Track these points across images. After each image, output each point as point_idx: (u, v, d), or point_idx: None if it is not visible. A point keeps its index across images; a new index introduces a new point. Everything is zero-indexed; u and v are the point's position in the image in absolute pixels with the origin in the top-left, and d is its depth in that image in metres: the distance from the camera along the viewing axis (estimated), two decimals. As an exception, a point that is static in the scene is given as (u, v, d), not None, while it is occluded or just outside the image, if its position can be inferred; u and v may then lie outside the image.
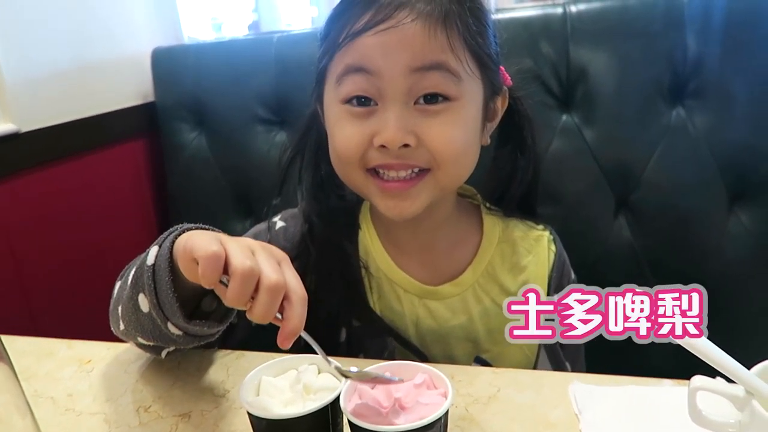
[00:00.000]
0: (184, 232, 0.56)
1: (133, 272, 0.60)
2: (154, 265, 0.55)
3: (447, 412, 0.47)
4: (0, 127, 1.02)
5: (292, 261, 0.53)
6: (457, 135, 0.65)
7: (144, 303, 0.57)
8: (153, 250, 0.56)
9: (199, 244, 0.48)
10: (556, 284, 0.78)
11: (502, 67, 0.74)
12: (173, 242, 0.55)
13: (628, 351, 1.07)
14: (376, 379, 0.49)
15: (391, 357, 0.73)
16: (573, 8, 1.04)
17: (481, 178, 0.80)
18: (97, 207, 1.22)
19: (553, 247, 0.80)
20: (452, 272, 0.76)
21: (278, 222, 0.81)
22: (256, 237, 0.74)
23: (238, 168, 1.30)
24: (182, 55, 1.31)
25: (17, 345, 0.75)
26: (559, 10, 1.05)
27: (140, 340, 0.62)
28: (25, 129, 1.05)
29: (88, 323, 1.08)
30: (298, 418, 0.48)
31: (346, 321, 0.75)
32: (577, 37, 1.04)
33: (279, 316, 0.48)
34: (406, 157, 0.64)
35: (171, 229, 0.58)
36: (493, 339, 0.76)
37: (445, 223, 0.76)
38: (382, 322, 0.74)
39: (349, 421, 0.47)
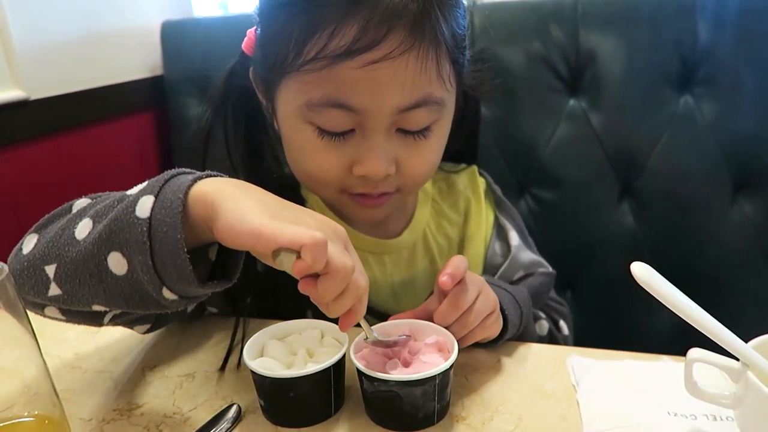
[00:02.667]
0: (196, 181, 0.46)
1: (95, 228, 0.48)
2: (150, 219, 0.45)
3: (446, 375, 0.48)
4: (9, 93, 1.02)
5: None
6: (434, 158, 0.65)
7: (120, 264, 0.46)
8: (145, 202, 0.45)
9: (293, 235, 0.41)
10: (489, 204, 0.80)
11: None
12: (185, 193, 0.45)
13: (626, 335, 1.09)
14: (397, 343, 0.52)
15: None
16: (584, -8, 1.04)
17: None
18: (103, 179, 1.23)
19: (482, 179, 0.81)
20: (402, 222, 0.76)
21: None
22: None
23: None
24: (192, 28, 1.31)
25: (24, 306, 0.76)
26: (571, -6, 1.05)
27: (93, 307, 0.50)
28: (34, 97, 1.06)
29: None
30: (300, 377, 0.49)
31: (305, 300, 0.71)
32: (588, 21, 1.04)
33: None
34: (383, 185, 0.62)
35: (164, 175, 0.48)
36: None
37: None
38: None
39: (357, 369, 0.49)
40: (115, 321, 0.55)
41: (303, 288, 0.44)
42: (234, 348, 0.63)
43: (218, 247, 0.52)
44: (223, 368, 0.61)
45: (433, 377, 0.46)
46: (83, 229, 0.49)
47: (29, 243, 0.52)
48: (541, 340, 0.75)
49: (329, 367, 0.50)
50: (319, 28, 0.54)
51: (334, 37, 0.53)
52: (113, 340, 0.68)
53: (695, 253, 1.05)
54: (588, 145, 1.06)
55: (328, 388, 0.51)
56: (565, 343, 0.79)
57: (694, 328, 0.46)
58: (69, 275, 0.48)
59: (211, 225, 0.44)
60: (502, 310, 0.60)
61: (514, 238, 0.79)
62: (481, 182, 0.81)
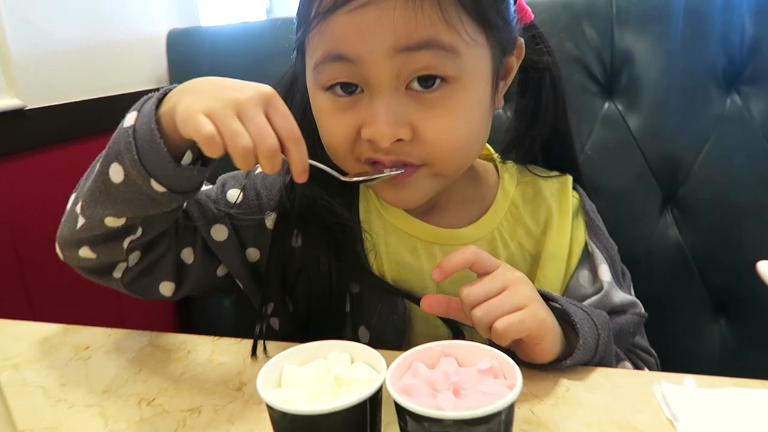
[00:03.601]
0: (165, 94, 0.54)
1: (100, 160, 0.57)
2: (134, 126, 0.53)
3: (511, 409, 0.39)
4: (4, 101, 0.96)
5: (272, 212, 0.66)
6: (460, 127, 0.57)
7: (118, 172, 0.55)
8: (130, 116, 0.54)
9: (191, 123, 0.48)
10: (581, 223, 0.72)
11: (520, 1, 0.64)
12: (157, 105, 0.53)
13: (674, 359, 0.99)
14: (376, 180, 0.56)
15: (402, 323, 0.65)
16: (619, -13, 0.97)
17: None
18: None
19: (576, 193, 0.73)
20: (471, 217, 0.69)
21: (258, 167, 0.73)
22: (232, 179, 0.72)
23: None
24: (198, 38, 1.24)
25: (11, 329, 0.69)
26: (604, -10, 0.98)
27: (107, 222, 0.58)
28: (31, 105, 0.99)
29: (90, 310, 1.00)
30: (329, 414, 0.40)
31: (344, 287, 0.68)
32: (623, 18, 0.97)
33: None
34: (398, 153, 0.57)
35: (146, 96, 0.56)
36: None
37: (455, 185, 0.68)
38: (383, 282, 0.66)
39: (395, 402, 0.40)
40: (132, 248, 0.62)
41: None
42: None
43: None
44: (254, 352, 0.62)
45: (498, 413, 0.37)
46: (97, 162, 0.58)
47: (70, 200, 0.64)
48: None
49: (365, 401, 0.41)
50: None
51: None
52: (106, 368, 0.60)
53: (749, 267, 0.95)
54: (626, 151, 0.98)
55: (362, 426, 0.42)
56: None
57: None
58: (87, 202, 0.58)
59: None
60: (571, 323, 0.54)
61: (605, 273, 0.68)
62: (574, 196, 0.72)
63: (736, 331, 0.98)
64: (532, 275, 0.68)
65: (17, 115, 0.97)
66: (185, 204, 0.66)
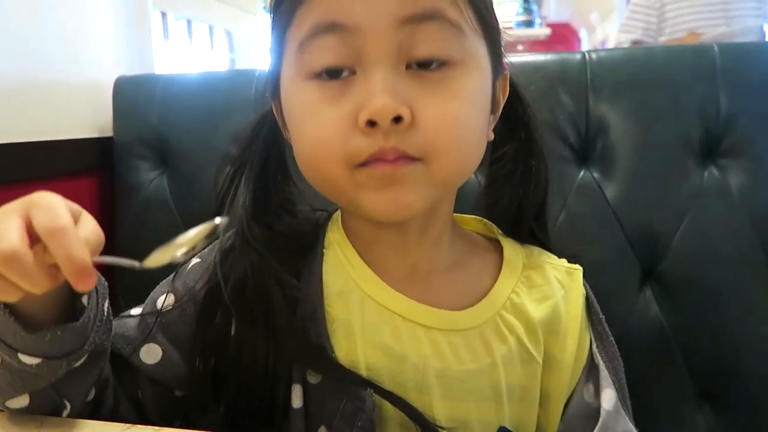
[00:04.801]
0: None
1: None
2: None
3: None
4: None
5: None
6: (463, 111, 0.50)
7: None
8: None
9: None
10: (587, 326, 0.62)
11: None
12: None
13: None
14: None
15: (370, 424, 0.52)
16: (593, 55, 0.95)
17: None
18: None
19: (584, 290, 0.64)
20: (464, 300, 0.57)
21: (193, 259, 0.61)
22: (161, 286, 0.62)
23: (202, 216, 1.12)
24: (149, 85, 1.16)
25: None
26: (578, 56, 0.95)
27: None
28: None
29: None
30: None
31: (298, 376, 0.55)
32: (597, 84, 0.94)
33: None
34: (398, 139, 0.48)
35: None
36: (513, 395, 0.57)
37: (441, 243, 0.59)
38: (348, 373, 0.53)
39: None
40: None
41: None
42: None
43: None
44: None
45: None
46: None
47: None
48: None
49: None
50: None
51: None
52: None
53: (732, 352, 0.89)
54: (603, 221, 0.93)
55: None
56: None
57: None
58: None
59: None
60: None
61: (607, 400, 0.57)
62: (582, 293, 0.62)
63: (722, 422, 0.90)
64: (531, 378, 0.57)
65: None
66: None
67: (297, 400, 0.54)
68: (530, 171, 0.61)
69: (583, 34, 6.88)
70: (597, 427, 0.56)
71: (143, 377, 0.57)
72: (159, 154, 1.14)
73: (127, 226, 1.15)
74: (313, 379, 0.54)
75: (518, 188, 0.62)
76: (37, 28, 1.02)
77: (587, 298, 0.63)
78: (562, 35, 6.37)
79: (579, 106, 0.94)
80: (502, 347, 0.56)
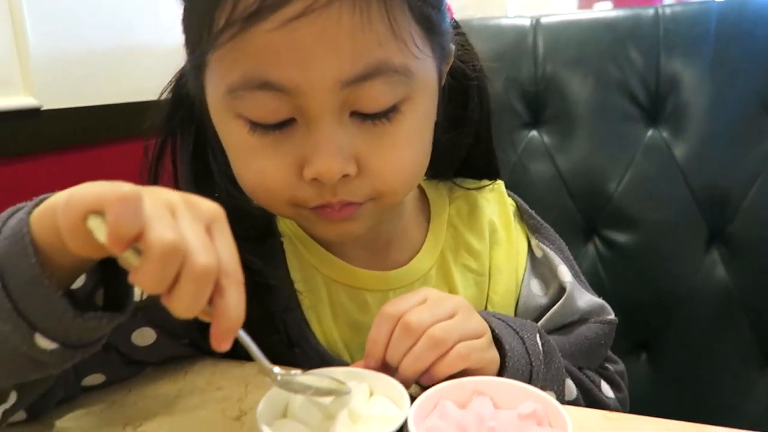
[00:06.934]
0: (39, 203, 0.38)
1: None
2: None
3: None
4: (21, 100, 0.93)
5: None
6: (411, 155, 0.49)
7: None
8: None
9: (98, 192, 0.32)
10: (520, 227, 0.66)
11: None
12: (27, 217, 0.37)
13: (713, 411, 0.91)
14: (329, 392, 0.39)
15: None
16: (667, 10, 0.92)
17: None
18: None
19: (511, 200, 0.67)
20: (412, 248, 0.61)
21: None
22: None
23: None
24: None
25: None
26: (651, 12, 0.93)
27: None
28: (46, 106, 0.96)
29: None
30: (339, 455, 0.33)
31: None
32: (671, 41, 0.91)
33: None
34: (345, 192, 0.47)
35: (5, 213, 0.40)
36: None
37: (393, 220, 0.61)
38: (321, 350, 0.56)
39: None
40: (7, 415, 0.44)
41: (131, 278, 0.32)
42: None
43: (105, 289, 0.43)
44: None
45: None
46: None
47: None
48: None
49: (382, 442, 0.34)
50: None
51: None
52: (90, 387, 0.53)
53: (802, 314, 0.87)
54: (670, 182, 0.91)
55: (377, 472, 0.35)
56: (616, 409, 0.62)
57: None
58: None
59: (60, 235, 0.34)
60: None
61: (565, 273, 0.62)
62: (510, 203, 0.67)
63: (788, 385, 0.89)
64: (482, 296, 0.62)
65: (32, 114, 0.94)
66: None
67: None
68: (465, 112, 0.60)
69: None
70: (562, 299, 0.60)
71: (114, 362, 0.53)
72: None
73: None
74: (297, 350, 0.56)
75: (451, 126, 0.60)
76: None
77: (517, 203, 0.67)
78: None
79: (650, 63, 0.92)
80: (445, 286, 0.61)
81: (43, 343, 0.37)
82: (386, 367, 0.44)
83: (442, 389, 0.39)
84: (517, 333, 0.49)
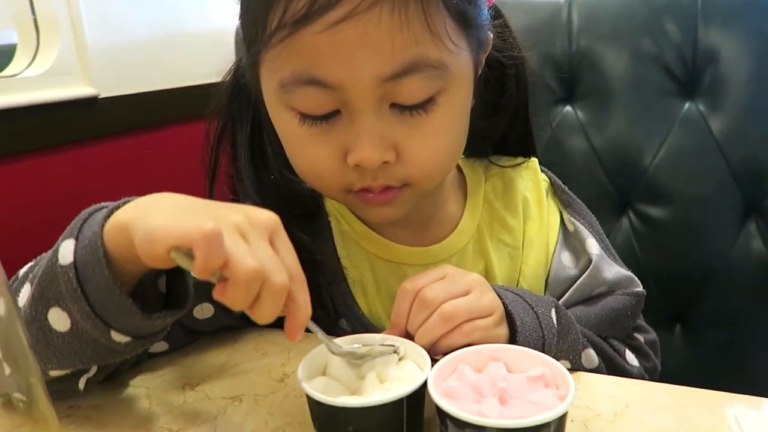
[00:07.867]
0: (112, 212, 0.43)
1: (27, 291, 0.46)
2: (74, 262, 0.42)
3: (562, 422, 0.36)
4: (79, 89, 1.00)
5: None
6: (445, 142, 0.53)
7: (60, 319, 0.44)
8: (66, 246, 0.43)
9: (182, 230, 0.36)
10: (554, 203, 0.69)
11: None
12: (100, 231, 0.42)
13: (751, 383, 0.92)
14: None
15: None
16: (705, -20, 0.91)
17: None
18: (168, 182, 1.19)
19: (545, 175, 0.70)
20: (451, 224, 0.65)
21: None
22: None
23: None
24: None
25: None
26: (689, -18, 0.92)
27: (52, 374, 0.47)
28: (104, 94, 1.03)
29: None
30: (363, 408, 0.38)
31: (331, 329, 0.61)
32: (710, 13, 0.90)
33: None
34: (384, 176, 0.52)
35: (82, 215, 0.45)
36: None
37: (434, 198, 0.65)
38: (369, 324, 0.61)
39: (436, 405, 0.37)
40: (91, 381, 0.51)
41: (215, 295, 0.38)
42: None
43: (166, 276, 0.49)
44: None
45: (547, 424, 0.34)
46: (23, 296, 0.46)
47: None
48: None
49: (401, 399, 0.39)
50: None
51: (291, 0, 0.45)
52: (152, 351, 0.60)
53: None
54: (707, 155, 0.91)
55: (398, 426, 0.40)
56: (640, 376, 0.64)
57: None
58: None
59: (133, 250, 0.40)
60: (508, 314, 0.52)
61: (593, 246, 0.65)
62: (543, 179, 0.69)
63: (825, 357, 0.89)
64: (516, 269, 0.65)
65: (91, 103, 1.01)
66: None
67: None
68: (502, 96, 0.63)
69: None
70: (588, 270, 0.63)
71: (177, 333, 0.58)
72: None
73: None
74: (344, 324, 0.62)
75: (489, 109, 0.63)
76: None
77: (550, 180, 0.70)
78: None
79: (687, 36, 0.91)
80: (482, 260, 0.64)
81: (118, 337, 0.44)
82: (409, 337, 0.49)
83: (461, 355, 0.43)
84: (532, 308, 0.53)
